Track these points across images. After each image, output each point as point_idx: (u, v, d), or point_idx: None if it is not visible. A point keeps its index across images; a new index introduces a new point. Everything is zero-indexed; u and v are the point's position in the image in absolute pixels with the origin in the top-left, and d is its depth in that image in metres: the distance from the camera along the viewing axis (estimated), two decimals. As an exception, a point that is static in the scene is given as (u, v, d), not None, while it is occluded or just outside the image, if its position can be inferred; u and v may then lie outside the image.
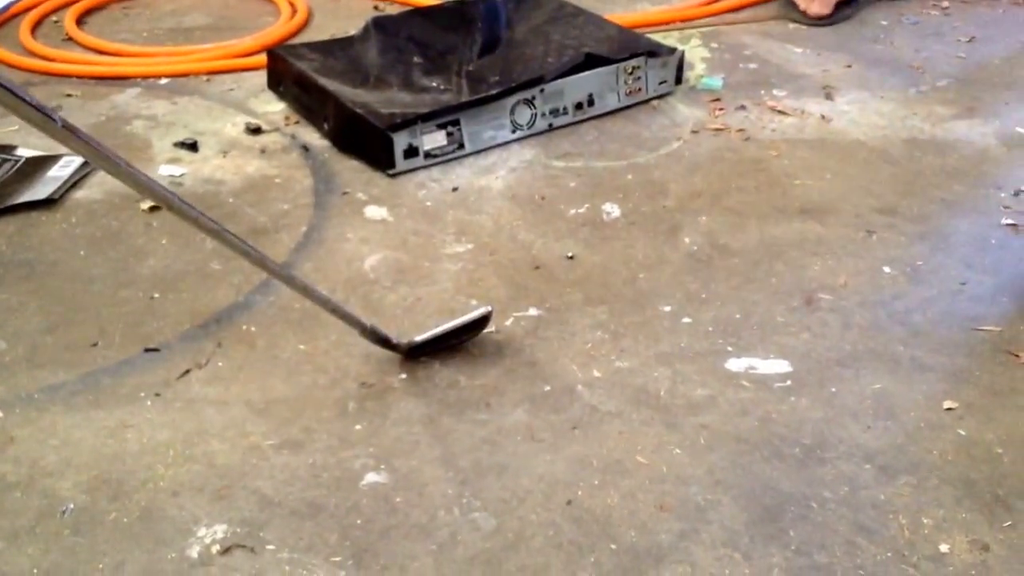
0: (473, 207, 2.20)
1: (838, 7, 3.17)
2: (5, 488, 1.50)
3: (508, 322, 1.84)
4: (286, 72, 2.66)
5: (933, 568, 1.35)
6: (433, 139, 2.35)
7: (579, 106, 2.55)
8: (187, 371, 1.73)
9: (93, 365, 1.75)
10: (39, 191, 2.25)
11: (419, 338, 1.72)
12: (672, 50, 2.67)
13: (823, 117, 2.57)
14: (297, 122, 2.59)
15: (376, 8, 3.37)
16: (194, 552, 1.39)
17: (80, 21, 3.28)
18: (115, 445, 1.57)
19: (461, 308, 1.82)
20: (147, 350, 1.78)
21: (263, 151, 2.45)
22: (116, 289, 1.94)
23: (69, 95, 2.78)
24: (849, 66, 2.88)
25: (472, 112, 2.40)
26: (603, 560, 1.37)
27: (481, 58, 2.65)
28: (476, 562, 1.37)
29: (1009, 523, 1.42)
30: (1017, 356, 1.73)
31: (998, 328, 1.80)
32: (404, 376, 1.71)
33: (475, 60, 2.64)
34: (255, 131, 2.54)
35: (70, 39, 3.14)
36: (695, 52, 2.97)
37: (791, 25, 3.17)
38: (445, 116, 2.36)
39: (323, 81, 2.49)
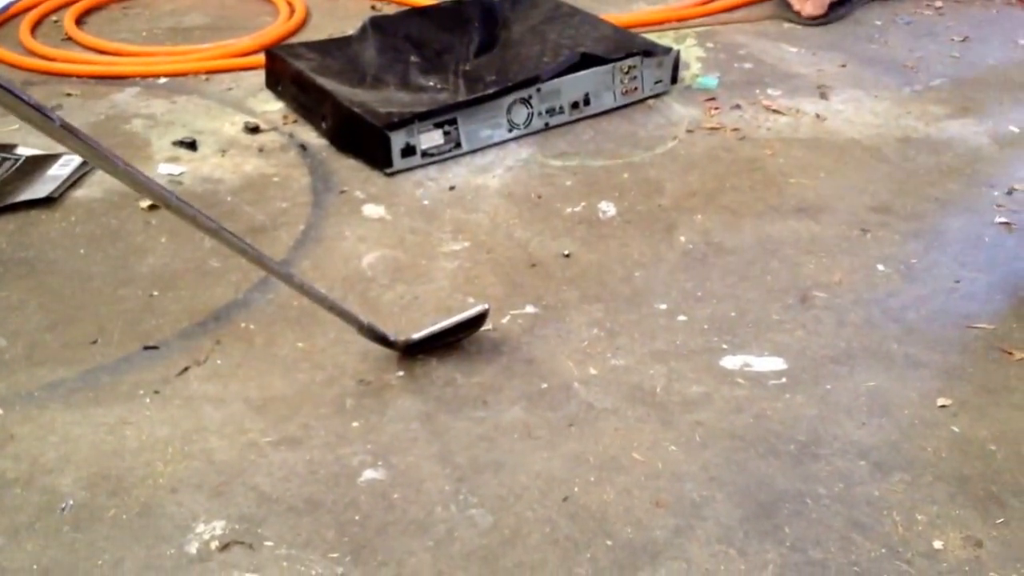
0: (470, 206, 2.20)
1: (832, 7, 3.18)
2: (5, 485, 1.50)
3: (505, 320, 1.84)
4: (284, 71, 2.67)
5: (927, 564, 1.36)
6: (430, 138, 2.36)
7: (575, 105, 2.55)
8: (186, 368, 1.74)
9: (92, 363, 1.75)
10: (39, 190, 2.25)
11: (416, 336, 1.73)
12: (668, 50, 2.68)
13: (818, 116, 2.58)
14: (295, 121, 2.60)
15: (374, 8, 3.38)
16: (193, 548, 1.40)
17: (80, 21, 3.28)
18: (114, 442, 1.58)
19: (458, 306, 1.83)
20: (146, 348, 1.78)
21: (261, 150, 2.46)
22: (115, 287, 1.94)
23: (69, 94, 2.79)
24: (843, 65, 2.88)
25: (469, 111, 2.40)
26: (599, 556, 1.38)
27: (478, 58, 2.66)
28: (473, 558, 1.38)
29: (1002, 519, 1.42)
30: (1010, 354, 1.74)
31: (991, 326, 1.81)
32: (401, 373, 1.72)
33: (472, 60, 2.65)
34: (253, 130, 2.54)
35: (70, 39, 3.15)
36: (690, 52, 2.97)
37: (786, 25, 3.18)
38: (442, 115, 2.37)
39: (321, 80, 2.50)
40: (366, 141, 2.34)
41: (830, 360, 1.73)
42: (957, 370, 1.71)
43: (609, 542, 1.40)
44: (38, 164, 2.36)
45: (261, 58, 2.83)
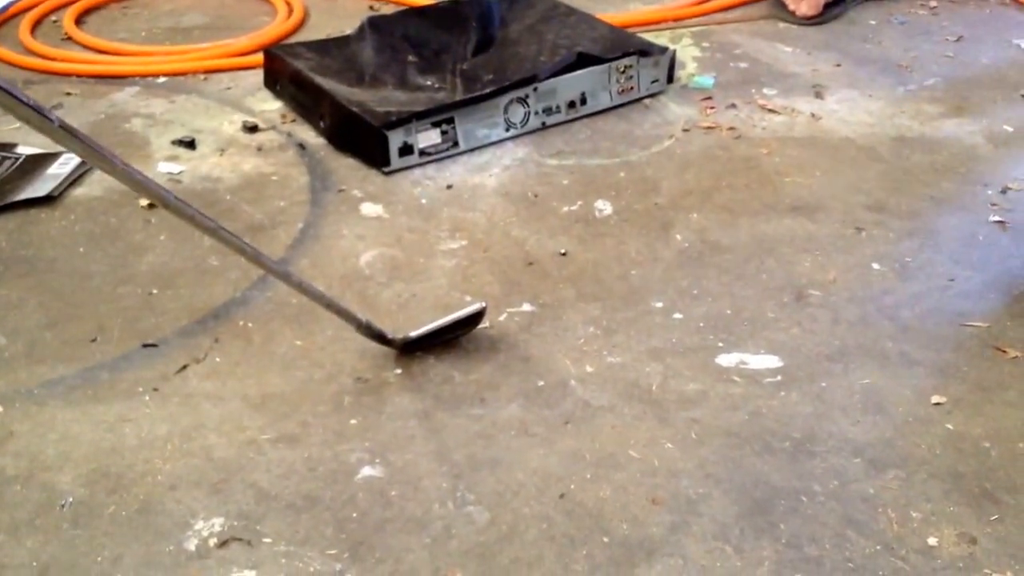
0: (467, 204, 2.21)
1: (827, 7, 3.19)
2: (5, 481, 1.51)
3: (502, 318, 1.85)
4: (282, 71, 2.67)
5: (922, 561, 1.36)
6: (428, 137, 2.36)
7: (572, 105, 2.56)
8: (185, 366, 1.74)
9: (92, 360, 1.76)
10: (39, 188, 2.26)
11: (414, 333, 1.73)
12: (664, 49, 2.69)
13: (813, 115, 2.59)
14: (293, 120, 2.60)
15: (371, 8, 3.38)
16: (192, 545, 1.40)
17: (79, 20, 3.29)
18: (114, 439, 1.58)
19: (455, 304, 1.84)
20: (145, 345, 1.79)
21: (260, 149, 2.46)
22: (115, 285, 1.95)
23: (69, 94, 2.79)
24: (839, 65, 2.89)
25: (466, 110, 2.41)
26: (595, 553, 1.38)
27: (475, 57, 2.66)
28: (470, 555, 1.38)
29: (996, 516, 1.43)
30: (1004, 351, 1.74)
31: (986, 324, 1.81)
32: (399, 371, 1.72)
33: (469, 59, 2.65)
34: (252, 129, 2.55)
35: (69, 38, 3.15)
36: (686, 51, 2.98)
37: (781, 25, 3.19)
38: (440, 114, 2.38)
39: (319, 80, 2.51)
40: (364, 140, 2.35)
41: (825, 358, 1.74)
42: (951, 368, 1.71)
43: (605, 539, 1.40)
44: (38, 163, 2.36)
45: (260, 58, 2.84)
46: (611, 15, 3.10)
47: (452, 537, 1.41)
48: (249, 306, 1.89)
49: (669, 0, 3.32)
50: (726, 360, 1.74)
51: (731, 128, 2.52)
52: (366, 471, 1.52)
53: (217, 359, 1.76)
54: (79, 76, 2.90)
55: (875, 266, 1.97)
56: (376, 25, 2.76)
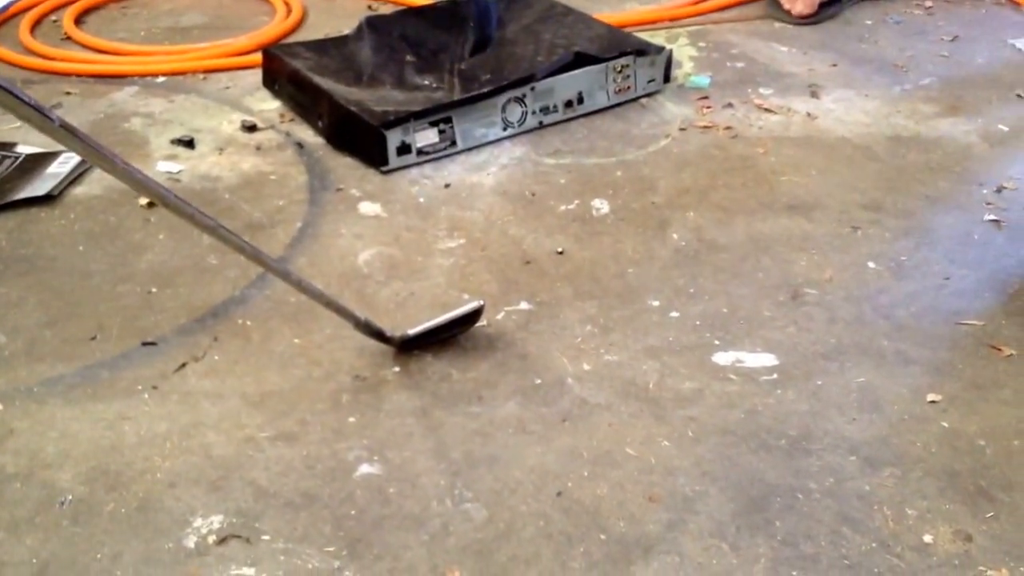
0: (465, 203, 2.21)
1: (822, 7, 3.19)
2: (5, 479, 1.51)
3: (499, 316, 1.86)
4: (281, 70, 2.68)
5: (917, 558, 1.37)
6: (425, 136, 2.37)
7: (569, 104, 2.57)
8: (184, 364, 1.75)
9: (91, 358, 1.76)
10: (39, 187, 2.26)
11: (412, 331, 1.74)
12: (660, 49, 2.69)
13: (809, 115, 2.59)
14: (292, 120, 2.61)
15: (370, 7, 3.39)
16: (191, 542, 1.41)
17: (79, 20, 3.29)
18: (113, 437, 1.59)
19: (453, 302, 1.84)
20: (144, 344, 1.79)
21: (258, 148, 2.47)
22: (114, 284, 1.95)
23: (68, 93, 2.79)
24: (834, 65, 2.90)
25: (464, 110, 2.42)
26: (592, 550, 1.39)
27: (473, 57, 2.67)
28: (468, 552, 1.39)
29: (992, 514, 1.44)
30: (999, 350, 1.75)
31: (981, 322, 1.82)
32: (397, 369, 1.73)
33: (467, 59, 2.66)
34: (251, 128, 2.55)
35: (69, 38, 3.16)
36: (683, 51, 2.99)
37: (777, 24, 3.19)
38: (437, 114, 2.38)
39: (317, 79, 2.51)
40: (362, 139, 2.36)
41: (821, 356, 1.75)
42: (947, 366, 1.72)
43: (602, 536, 1.41)
44: (38, 162, 2.37)
45: (258, 57, 2.84)
46: (608, 15, 3.11)
47: (450, 534, 1.42)
48: (248, 305, 1.89)
49: (666, 0, 3.33)
50: (722, 358, 1.75)
51: (727, 127, 2.53)
52: (364, 469, 1.53)
53: (216, 357, 1.76)
54: (78, 76, 2.90)
55: (871, 265, 1.98)
56: (374, 25, 2.77)
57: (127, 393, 1.68)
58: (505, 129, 2.49)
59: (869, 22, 3.21)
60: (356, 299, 1.90)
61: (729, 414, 1.62)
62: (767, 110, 2.61)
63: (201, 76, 2.89)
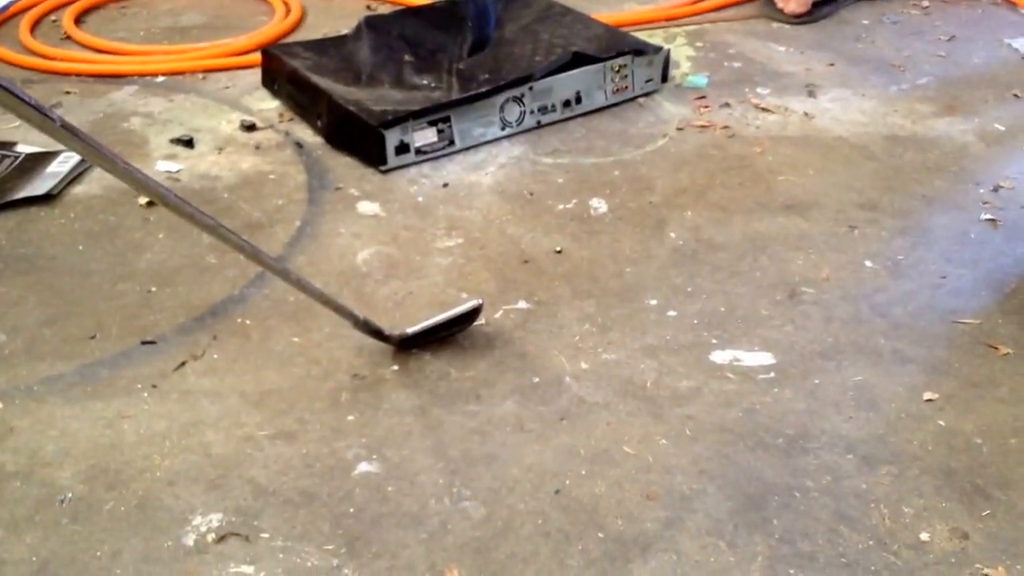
0: (463, 202, 2.22)
1: (815, 6, 3.20)
2: (5, 477, 1.52)
3: (497, 315, 1.86)
4: (280, 70, 2.68)
5: (913, 556, 1.37)
6: (424, 136, 2.37)
7: (567, 104, 2.57)
8: (183, 363, 1.75)
9: (91, 357, 1.77)
10: (38, 187, 2.26)
11: (411, 330, 1.74)
12: (658, 49, 2.70)
13: (806, 114, 2.60)
14: (291, 119, 2.61)
15: (368, 8, 3.39)
16: (190, 540, 1.41)
17: (78, 20, 3.30)
18: (113, 435, 1.59)
19: (452, 301, 1.84)
20: (144, 342, 1.80)
21: (258, 147, 2.47)
22: (114, 283, 1.96)
23: (68, 92, 2.80)
24: (831, 64, 2.90)
25: (462, 109, 2.42)
26: (590, 548, 1.39)
27: (471, 57, 2.67)
28: (466, 550, 1.39)
29: (988, 512, 1.44)
30: (996, 348, 1.76)
31: (977, 321, 1.83)
32: (396, 368, 1.73)
33: (465, 59, 2.66)
34: (250, 128, 2.56)
35: (68, 38, 3.16)
36: (680, 51, 2.99)
37: (774, 24, 3.20)
38: (436, 113, 2.39)
39: (316, 79, 2.52)
40: (361, 139, 2.36)
41: (818, 355, 1.75)
42: (943, 365, 1.72)
43: (600, 534, 1.41)
44: (38, 161, 2.37)
45: (258, 57, 2.84)
46: (606, 15, 3.11)
47: (448, 532, 1.42)
48: (247, 304, 1.90)
49: (663, 0, 3.33)
50: (720, 357, 1.75)
51: (725, 127, 2.53)
52: (363, 467, 1.53)
53: (215, 356, 1.77)
54: (78, 75, 2.91)
55: (868, 264, 1.98)
56: (373, 25, 2.78)
57: (126, 392, 1.69)
58: (503, 129, 2.49)
59: (866, 22, 3.22)
60: (355, 298, 1.90)
61: (727, 413, 1.63)
62: (764, 110, 2.62)
63: (200, 76, 2.89)
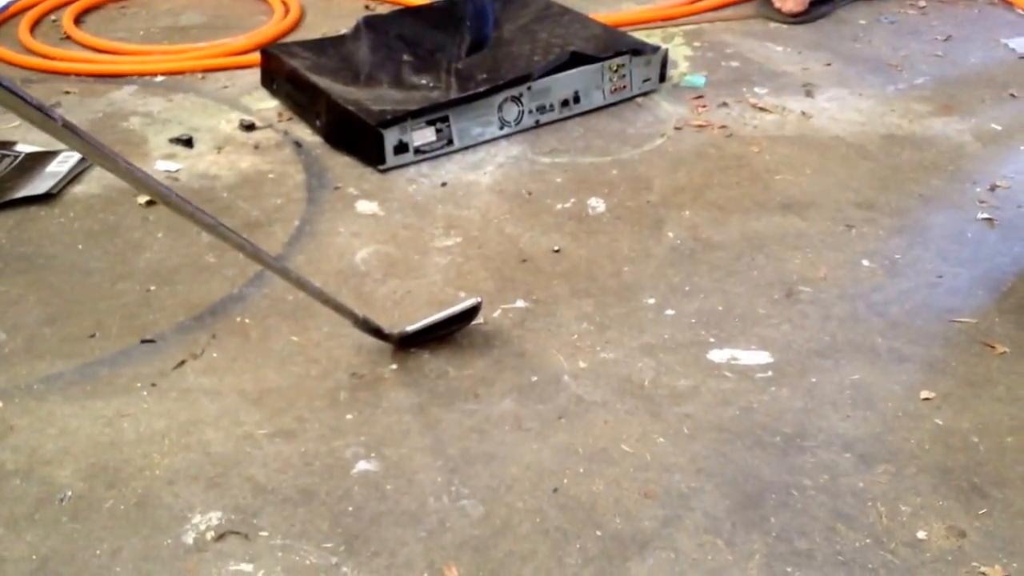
0: (462, 202, 2.22)
1: (812, 5, 3.20)
2: (4, 476, 1.52)
3: (496, 314, 1.86)
4: (279, 70, 2.69)
5: (910, 554, 1.38)
6: (423, 135, 2.38)
7: (565, 103, 2.58)
8: (182, 362, 1.75)
9: (91, 356, 1.77)
10: (38, 186, 2.27)
11: (409, 329, 1.74)
12: (656, 48, 2.70)
13: (803, 114, 2.60)
14: (290, 119, 2.61)
15: (367, 7, 3.39)
16: (189, 538, 1.42)
17: (78, 20, 3.30)
18: (112, 434, 1.60)
19: (450, 300, 1.85)
20: (143, 341, 1.80)
21: (257, 147, 2.47)
22: (113, 282, 1.96)
23: (67, 92, 2.80)
24: (829, 64, 2.91)
25: (461, 109, 2.42)
26: (588, 546, 1.40)
27: (470, 56, 2.67)
28: (465, 548, 1.40)
29: (985, 510, 1.44)
30: (993, 347, 1.76)
31: (974, 320, 1.83)
32: (395, 366, 1.74)
33: (464, 58, 2.66)
34: (249, 127, 2.56)
35: (68, 37, 3.16)
36: (678, 50, 2.99)
37: (772, 24, 3.20)
38: (434, 113, 2.39)
39: (315, 79, 2.52)
40: (360, 138, 2.36)
41: (815, 354, 1.75)
42: (940, 363, 1.73)
43: (598, 532, 1.42)
44: (37, 161, 2.38)
45: (257, 57, 2.84)
46: (604, 14, 3.12)
47: (447, 531, 1.42)
48: (246, 302, 1.90)
49: (661, 0, 3.33)
50: (717, 356, 1.75)
51: (722, 126, 2.53)
52: (362, 465, 1.53)
53: (214, 355, 1.77)
54: (78, 75, 2.91)
55: (865, 263, 1.99)
56: (372, 25, 2.78)
57: (126, 390, 1.69)
58: (502, 128, 2.49)
59: (863, 22, 3.22)
60: (354, 297, 1.91)
61: (724, 411, 1.63)
62: (762, 109, 2.62)
63: (200, 75, 2.89)
